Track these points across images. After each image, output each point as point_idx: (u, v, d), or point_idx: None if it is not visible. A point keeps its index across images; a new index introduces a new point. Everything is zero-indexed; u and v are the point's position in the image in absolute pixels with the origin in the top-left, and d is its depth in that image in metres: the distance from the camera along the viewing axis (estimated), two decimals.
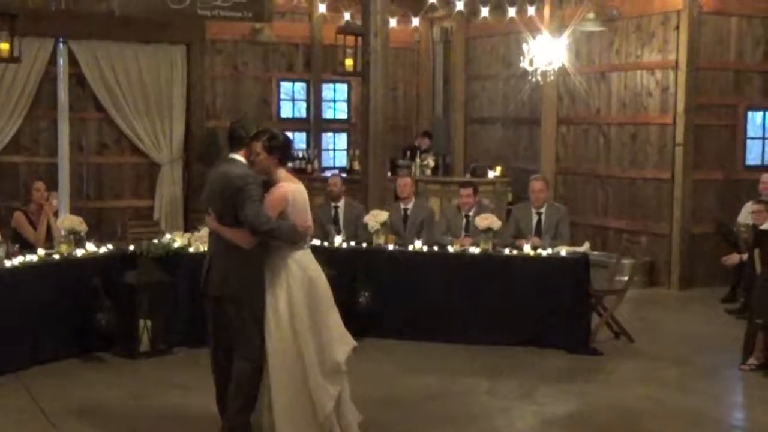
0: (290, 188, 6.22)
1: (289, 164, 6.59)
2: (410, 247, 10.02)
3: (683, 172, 12.68)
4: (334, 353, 6.16)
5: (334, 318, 6.27)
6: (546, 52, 13.01)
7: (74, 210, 13.22)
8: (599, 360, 9.18)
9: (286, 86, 16.17)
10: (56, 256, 9.00)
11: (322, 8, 15.34)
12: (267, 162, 6.22)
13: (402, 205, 11.08)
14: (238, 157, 6.32)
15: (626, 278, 10.35)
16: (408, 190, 11.13)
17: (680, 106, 12.64)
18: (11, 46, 11.48)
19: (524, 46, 13.17)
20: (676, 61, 12.68)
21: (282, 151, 6.26)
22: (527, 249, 9.78)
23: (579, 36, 13.70)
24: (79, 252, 9.15)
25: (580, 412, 7.59)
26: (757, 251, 9.37)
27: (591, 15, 12.82)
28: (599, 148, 14.05)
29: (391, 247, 10.06)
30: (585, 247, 10.03)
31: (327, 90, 16.44)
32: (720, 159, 13.04)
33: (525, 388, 8.17)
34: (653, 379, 8.54)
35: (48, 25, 13.24)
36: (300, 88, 16.38)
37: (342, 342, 6.25)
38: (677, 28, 12.68)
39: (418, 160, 14.71)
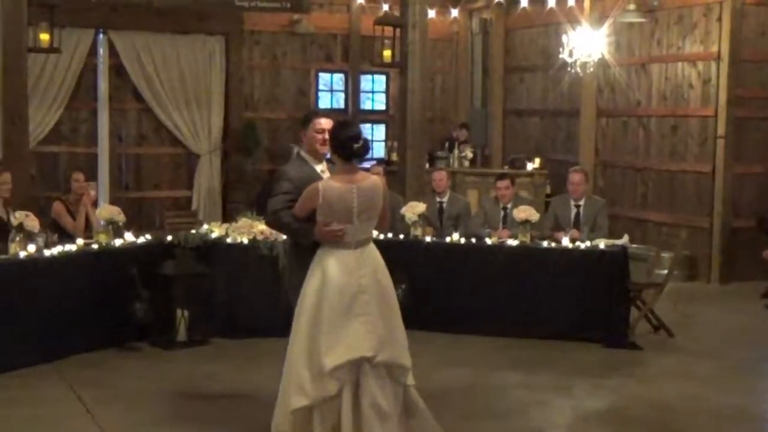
0: (323, 186, 5.93)
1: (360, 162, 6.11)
2: (447, 240, 9.98)
3: (724, 165, 12.54)
4: (323, 355, 5.76)
5: (352, 327, 5.82)
6: (586, 44, 12.91)
7: (113, 200, 13.34)
8: (637, 354, 9.11)
9: (324, 77, 16.19)
10: (95, 246, 9.04)
11: None
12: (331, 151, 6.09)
13: (438, 199, 11.04)
14: (298, 147, 6.44)
15: (666, 272, 10.24)
16: (443, 184, 11.07)
17: (722, 98, 12.50)
18: (51, 37, 11.61)
19: (564, 38, 13.08)
20: (718, 53, 12.53)
21: (333, 143, 6.01)
22: (565, 242, 9.71)
23: (619, 27, 13.58)
24: (118, 242, 9.19)
25: (617, 406, 7.53)
26: None
27: (632, 6, 12.71)
28: (639, 141, 13.93)
29: (428, 239, 10.03)
30: (624, 240, 9.95)
31: (365, 81, 16.44)
32: (762, 152, 12.86)
33: (561, 382, 8.11)
34: (692, 374, 8.45)
35: (88, 16, 13.34)
36: (338, 79, 16.38)
37: (344, 348, 5.78)
38: (719, 19, 12.52)
39: (456, 151, 14.67)
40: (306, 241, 6.04)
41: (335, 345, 5.78)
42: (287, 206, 6.09)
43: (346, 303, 5.85)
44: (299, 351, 5.87)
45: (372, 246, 6.09)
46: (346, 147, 5.94)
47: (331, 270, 5.89)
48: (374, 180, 6.08)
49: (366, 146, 6.01)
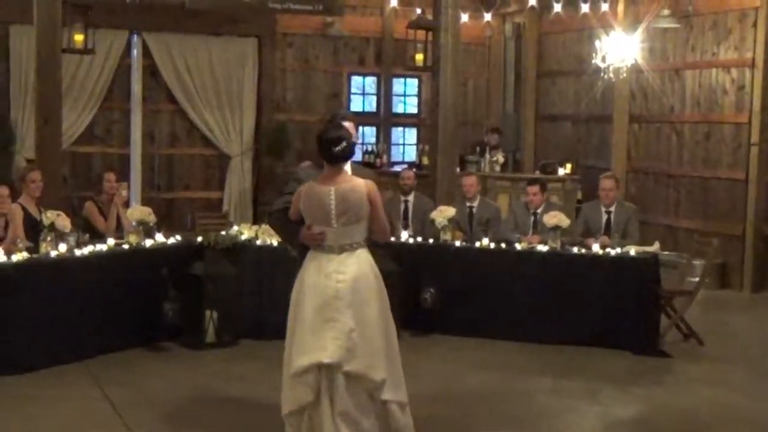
0: (304, 188, 5.90)
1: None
2: (477, 244, 9.95)
3: (758, 172, 12.42)
4: (296, 358, 5.77)
5: (321, 332, 5.75)
6: (619, 49, 12.86)
7: (145, 201, 13.42)
8: (667, 362, 9.04)
9: (356, 80, 16.19)
10: (125, 247, 9.10)
11: (393, 2, 15.33)
12: None
13: (468, 203, 11.03)
14: None
15: (697, 279, 10.18)
16: (473, 189, 11.06)
17: (756, 105, 12.39)
18: (86, 38, 11.72)
19: (597, 43, 13.03)
20: (753, 59, 12.42)
21: (317, 146, 5.93)
22: (596, 248, 9.66)
23: (653, 32, 13.48)
24: (148, 242, 9.25)
25: (646, 414, 7.48)
26: None
27: (666, 11, 12.62)
28: (672, 147, 13.83)
29: (458, 243, 10.01)
30: (655, 247, 9.88)
31: (397, 84, 16.42)
32: None
33: (590, 388, 8.07)
34: (722, 383, 8.39)
35: (122, 18, 13.42)
36: (371, 82, 16.38)
37: (309, 353, 5.73)
38: (755, 25, 12.42)
39: (487, 156, 14.63)
40: (293, 243, 6.07)
41: (304, 349, 5.76)
42: (286, 207, 6.08)
43: (319, 307, 5.78)
44: (286, 355, 5.93)
45: (360, 252, 5.92)
46: (326, 150, 5.86)
47: (308, 273, 5.88)
48: (357, 183, 5.90)
49: (348, 149, 5.88)
